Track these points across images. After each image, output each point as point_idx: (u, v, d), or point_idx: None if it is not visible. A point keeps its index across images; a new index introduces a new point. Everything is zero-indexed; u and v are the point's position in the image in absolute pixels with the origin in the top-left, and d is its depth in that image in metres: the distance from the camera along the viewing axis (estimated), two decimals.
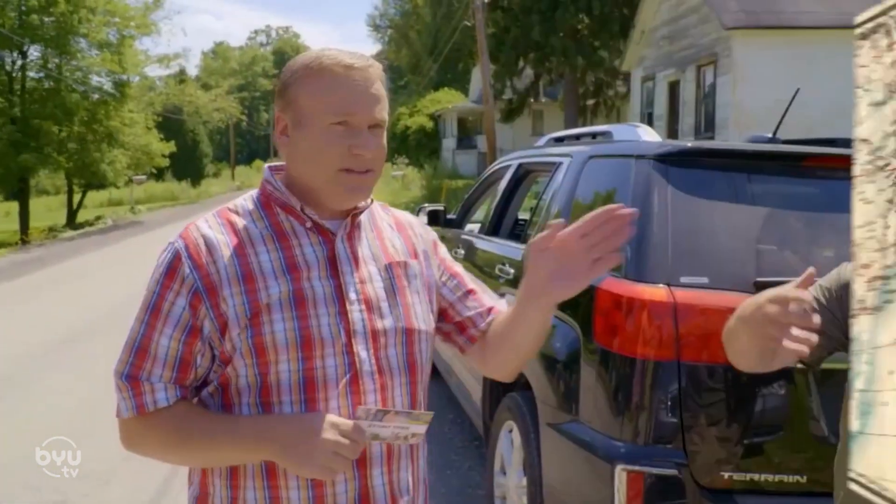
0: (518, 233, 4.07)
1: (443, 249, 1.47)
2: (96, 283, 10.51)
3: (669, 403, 2.11)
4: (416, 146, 34.82)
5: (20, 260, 13.58)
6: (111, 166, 23.50)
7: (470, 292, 1.44)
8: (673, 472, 2.06)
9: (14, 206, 25.12)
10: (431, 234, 1.46)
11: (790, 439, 2.16)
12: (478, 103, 33.68)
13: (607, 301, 2.28)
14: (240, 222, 1.25)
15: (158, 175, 35.31)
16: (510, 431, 2.98)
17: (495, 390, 3.28)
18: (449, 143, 35.27)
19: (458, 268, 1.48)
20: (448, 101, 36.32)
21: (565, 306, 2.65)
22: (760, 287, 2.11)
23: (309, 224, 1.25)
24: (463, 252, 4.21)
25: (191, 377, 1.21)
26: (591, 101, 28.18)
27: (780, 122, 2.89)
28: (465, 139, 34.94)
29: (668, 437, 2.11)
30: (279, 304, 1.19)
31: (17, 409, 5.00)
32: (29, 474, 3.84)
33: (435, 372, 5.16)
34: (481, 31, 16.17)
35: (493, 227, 4.03)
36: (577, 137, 3.75)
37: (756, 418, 2.12)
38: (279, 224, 1.25)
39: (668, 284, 2.15)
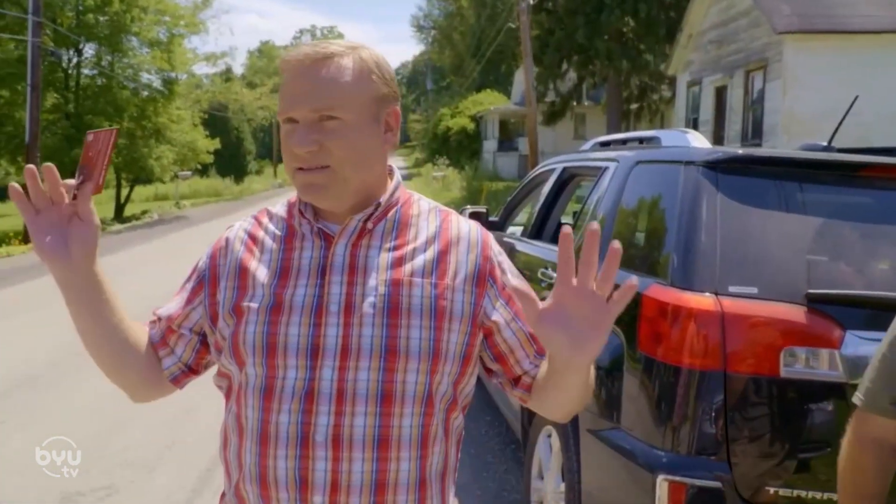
0: None
1: (508, 278, 1.23)
2: (143, 276, 10.74)
3: (714, 414, 2.08)
4: (457, 147, 34.91)
5: None
6: (158, 162, 24.05)
7: (532, 337, 1.23)
8: (716, 484, 2.03)
9: None
10: (494, 258, 1.24)
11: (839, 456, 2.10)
12: (520, 105, 33.60)
13: (652, 308, 2.25)
14: (266, 223, 1.28)
15: (203, 171, 36.00)
16: (549, 436, 2.97)
17: None
18: (490, 144, 35.26)
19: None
20: (490, 102, 36.33)
21: None
22: (812, 299, 2.08)
23: (316, 228, 1.21)
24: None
25: (171, 338, 1.28)
26: (634, 106, 27.93)
27: (837, 130, 2.83)
28: (507, 141, 34.90)
29: (712, 449, 2.08)
30: (258, 306, 1.18)
31: (64, 398, 5.14)
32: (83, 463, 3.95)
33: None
34: (526, 33, 16.11)
35: (535, 231, 4.02)
36: (624, 142, 3.72)
37: (804, 433, 2.08)
38: (293, 226, 1.24)
39: (716, 293, 2.11)
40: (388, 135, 1.21)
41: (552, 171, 4.19)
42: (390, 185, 1.24)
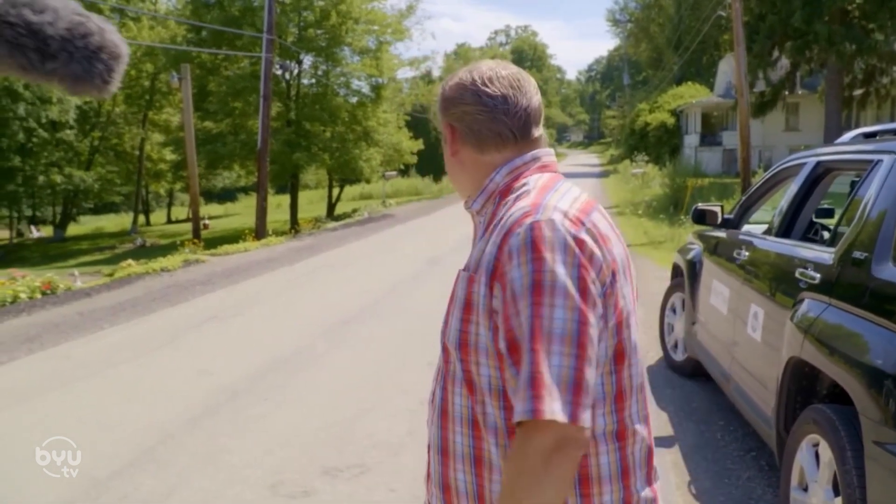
0: (814, 237, 3.80)
1: (508, 279, 1.09)
2: (364, 269, 11.53)
3: None
4: (656, 143, 33.73)
5: (296, 247, 15.30)
6: (367, 163, 25.60)
7: (514, 361, 1.09)
8: None
9: (283, 199, 28.26)
10: (503, 253, 1.11)
11: None
12: (724, 97, 31.78)
13: None
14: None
15: (404, 171, 37.78)
16: (814, 445, 2.81)
17: (793, 401, 3.10)
18: (691, 139, 33.72)
19: (513, 314, 1.07)
20: (691, 95, 34.70)
21: (891, 314, 2.44)
22: None
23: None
24: (746, 254, 4.02)
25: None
26: (858, 92, 25.37)
27: None
28: (709, 135, 33.18)
29: None
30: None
31: (311, 383, 5.66)
32: (336, 442, 4.32)
33: (704, 375, 4.97)
34: (738, 20, 15.18)
35: (785, 229, 3.81)
36: None
37: None
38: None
39: None
40: None
41: (802, 165, 3.95)
42: None
